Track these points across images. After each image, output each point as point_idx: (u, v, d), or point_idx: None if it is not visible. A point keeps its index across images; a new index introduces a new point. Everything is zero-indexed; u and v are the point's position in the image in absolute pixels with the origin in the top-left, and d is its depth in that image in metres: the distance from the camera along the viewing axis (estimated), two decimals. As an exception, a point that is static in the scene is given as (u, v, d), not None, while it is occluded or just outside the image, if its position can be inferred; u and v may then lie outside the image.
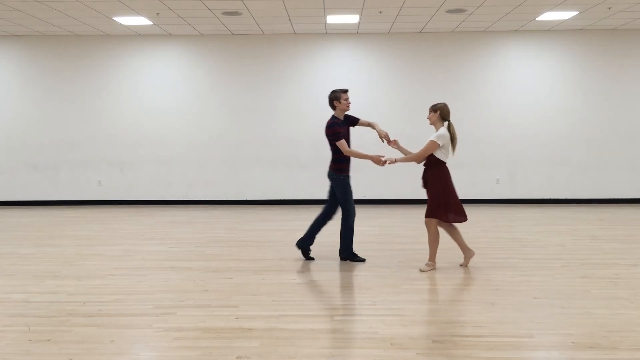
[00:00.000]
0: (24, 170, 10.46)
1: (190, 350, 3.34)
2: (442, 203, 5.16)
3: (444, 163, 5.20)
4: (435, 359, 3.19)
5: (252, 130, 10.39)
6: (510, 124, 10.27)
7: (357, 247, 5.75)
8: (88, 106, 10.38)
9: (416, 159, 5.29)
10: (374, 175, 9.20)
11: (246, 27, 9.59)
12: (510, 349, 3.33)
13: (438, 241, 5.26)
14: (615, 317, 3.88)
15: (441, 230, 5.34)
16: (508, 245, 6.50)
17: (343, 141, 5.40)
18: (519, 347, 3.37)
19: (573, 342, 3.42)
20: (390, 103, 10.25)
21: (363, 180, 8.84)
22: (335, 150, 5.47)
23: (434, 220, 5.22)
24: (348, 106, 5.57)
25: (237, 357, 3.21)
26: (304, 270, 5.31)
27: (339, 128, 5.43)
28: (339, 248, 5.69)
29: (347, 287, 4.81)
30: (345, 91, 5.60)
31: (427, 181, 5.29)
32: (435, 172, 5.21)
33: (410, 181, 10.05)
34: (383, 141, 5.51)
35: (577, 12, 8.69)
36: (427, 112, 5.35)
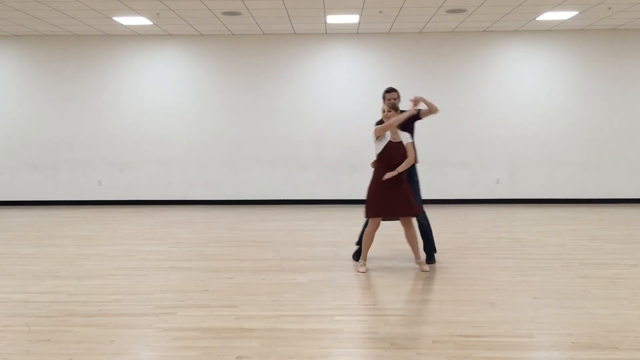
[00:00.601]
0: (24, 170, 10.46)
1: (190, 350, 3.34)
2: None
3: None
4: (435, 359, 3.19)
5: (252, 130, 10.39)
6: (510, 124, 10.27)
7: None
8: (88, 106, 10.38)
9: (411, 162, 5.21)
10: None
11: (246, 27, 9.59)
12: (510, 349, 3.33)
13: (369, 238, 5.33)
14: (615, 317, 3.89)
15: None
16: (508, 245, 6.50)
17: None
18: (519, 347, 3.37)
19: (573, 342, 3.42)
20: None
21: (363, 180, 8.83)
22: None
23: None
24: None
25: (237, 357, 3.21)
26: (304, 270, 5.31)
27: None
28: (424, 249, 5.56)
29: (347, 287, 4.81)
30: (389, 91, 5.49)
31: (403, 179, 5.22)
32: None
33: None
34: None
35: (577, 12, 8.69)
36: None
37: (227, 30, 9.80)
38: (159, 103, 10.37)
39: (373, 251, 6.00)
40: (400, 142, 5.14)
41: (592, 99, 10.21)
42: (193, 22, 9.17)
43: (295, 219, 8.74)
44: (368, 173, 5.45)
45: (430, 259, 5.54)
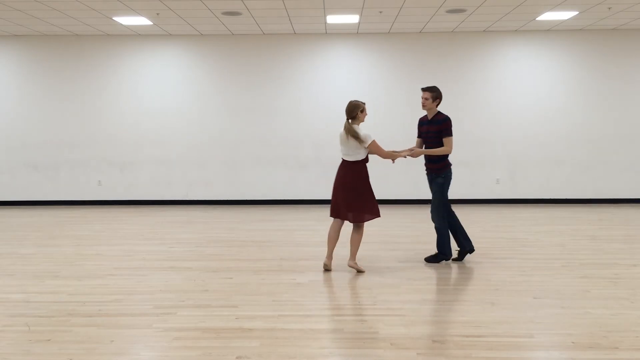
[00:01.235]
0: (24, 170, 10.46)
1: (190, 350, 3.34)
2: None
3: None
4: (435, 359, 3.19)
5: (252, 130, 10.39)
6: (510, 124, 10.27)
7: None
8: (88, 106, 10.38)
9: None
10: (373, 175, 9.19)
11: (246, 27, 9.59)
12: (510, 349, 3.33)
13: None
14: (615, 317, 3.88)
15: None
16: (508, 245, 6.50)
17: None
18: (519, 347, 3.37)
19: (573, 342, 3.42)
20: (390, 103, 10.26)
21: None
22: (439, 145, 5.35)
23: None
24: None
25: (237, 357, 3.21)
26: (304, 270, 5.31)
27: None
28: (459, 247, 5.58)
29: (347, 287, 4.81)
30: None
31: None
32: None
33: (409, 181, 10.07)
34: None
35: (577, 12, 8.69)
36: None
37: (227, 30, 9.80)
38: (159, 103, 10.37)
39: (373, 251, 6.01)
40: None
41: (592, 99, 10.21)
42: (193, 22, 9.17)
43: (295, 219, 8.74)
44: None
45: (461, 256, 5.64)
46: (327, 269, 5.20)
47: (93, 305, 4.23)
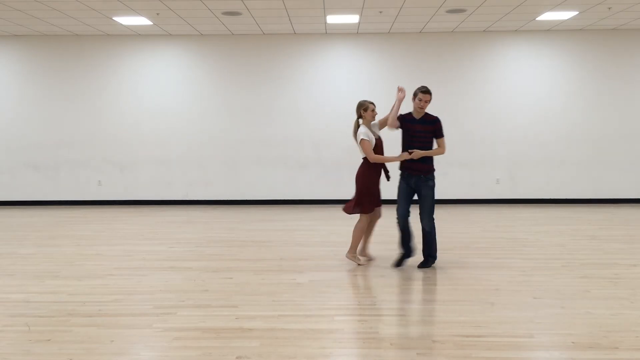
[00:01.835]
0: (24, 170, 10.46)
1: (190, 350, 3.34)
2: None
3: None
4: (435, 359, 3.19)
5: (252, 130, 10.39)
6: (510, 124, 10.27)
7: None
8: (88, 106, 10.38)
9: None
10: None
11: (246, 27, 9.59)
12: (510, 349, 3.33)
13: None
14: (615, 317, 3.88)
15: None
16: (508, 245, 6.50)
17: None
18: (519, 347, 3.37)
19: (573, 342, 3.42)
20: (390, 103, 10.16)
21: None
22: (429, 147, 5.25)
23: None
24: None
25: (237, 357, 3.21)
26: (304, 270, 5.31)
27: None
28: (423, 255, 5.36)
29: (347, 287, 4.81)
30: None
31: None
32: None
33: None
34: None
35: (577, 12, 8.69)
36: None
37: (227, 30, 9.80)
38: (159, 103, 10.37)
39: (373, 251, 5.99)
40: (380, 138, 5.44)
41: (592, 99, 10.21)
42: (193, 22, 9.17)
43: (295, 219, 8.74)
44: (368, 173, 5.44)
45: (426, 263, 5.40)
46: (363, 261, 5.49)
47: (93, 305, 4.23)
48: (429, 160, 5.28)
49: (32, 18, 8.79)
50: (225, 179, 10.49)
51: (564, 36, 10.11)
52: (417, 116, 5.33)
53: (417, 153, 5.19)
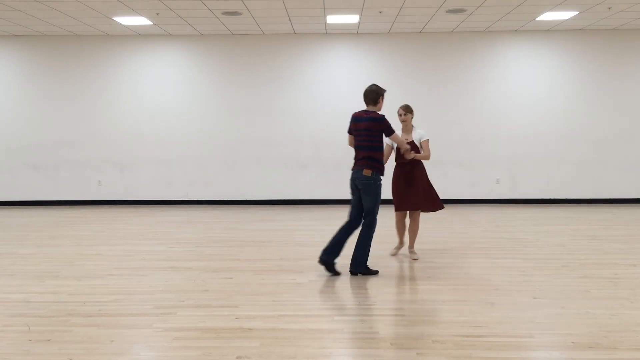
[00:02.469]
0: (24, 170, 10.46)
1: (190, 350, 3.34)
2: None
3: None
4: (435, 359, 3.19)
5: (252, 130, 10.40)
6: (510, 124, 10.27)
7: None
8: (88, 106, 10.38)
9: (427, 158, 5.64)
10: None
11: (246, 27, 9.59)
12: (510, 349, 3.33)
13: None
14: (615, 317, 3.88)
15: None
16: (508, 245, 6.50)
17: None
18: (519, 347, 3.37)
19: (573, 342, 3.42)
20: (389, 103, 10.21)
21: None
22: (377, 147, 4.98)
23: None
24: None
25: (237, 357, 3.21)
26: (304, 270, 5.31)
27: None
28: (350, 261, 5.09)
29: (347, 287, 4.80)
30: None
31: (414, 177, 5.58)
32: (422, 168, 5.69)
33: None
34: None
35: (577, 12, 8.69)
36: (403, 111, 5.72)
37: (227, 30, 9.80)
38: (159, 103, 10.37)
39: (373, 251, 5.98)
40: (412, 142, 5.60)
41: (592, 98, 10.21)
42: (193, 22, 9.17)
43: (295, 219, 8.74)
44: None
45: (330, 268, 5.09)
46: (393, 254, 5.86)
47: (93, 305, 4.23)
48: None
49: (32, 18, 8.79)
50: (225, 179, 10.49)
51: (564, 36, 10.11)
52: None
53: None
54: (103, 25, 9.33)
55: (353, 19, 8.99)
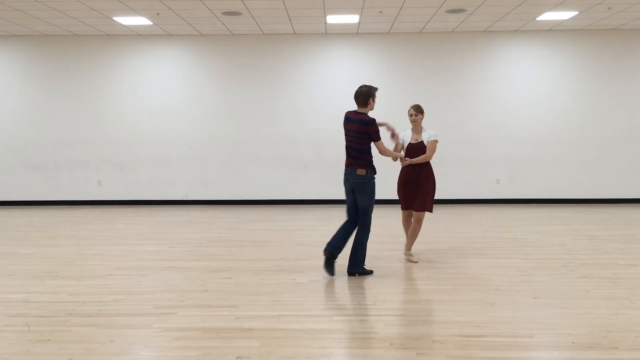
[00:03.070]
0: (24, 170, 10.46)
1: (190, 350, 3.34)
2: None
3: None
4: (435, 359, 3.19)
5: (252, 130, 10.39)
6: (511, 124, 10.27)
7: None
8: (88, 106, 10.38)
9: (427, 159, 5.55)
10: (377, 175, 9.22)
11: (246, 27, 9.59)
12: (510, 349, 3.33)
13: None
14: (615, 317, 3.89)
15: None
16: (508, 245, 6.50)
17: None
18: (519, 347, 3.37)
19: (573, 342, 3.42)
20: (389, 103, 10.24)
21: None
22: (366, 150, 4.99)
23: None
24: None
25: (237, 357, 3.21)
26: (304, 270, 5.31)
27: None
28: (348, 262, 5.12)
29: (347, 287, 4.81)
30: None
31: (421, 179, 5.54)
32: (430, 169, 5.60)
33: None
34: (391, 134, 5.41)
35: (577, 12, 8.69)
36: (413, 112, 5.57)
37: (227, 30, 9.80)
38: (159, 103, 10.37)
39: (373, 251, 5.99)
40: (421, 142, 5.55)
41: (592, 99, 10.21)
42: (193, 22, 9.17)
43: (295, 219, 8.74)
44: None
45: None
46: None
47: (93, 305, 4.23)
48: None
49: (32, 18, 8.79)
50: (225, 179, 10.49)
51: (564, 36, 10.11)
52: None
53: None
54: (103, 25, 9.33)
55: (353, 19, 8.99)
